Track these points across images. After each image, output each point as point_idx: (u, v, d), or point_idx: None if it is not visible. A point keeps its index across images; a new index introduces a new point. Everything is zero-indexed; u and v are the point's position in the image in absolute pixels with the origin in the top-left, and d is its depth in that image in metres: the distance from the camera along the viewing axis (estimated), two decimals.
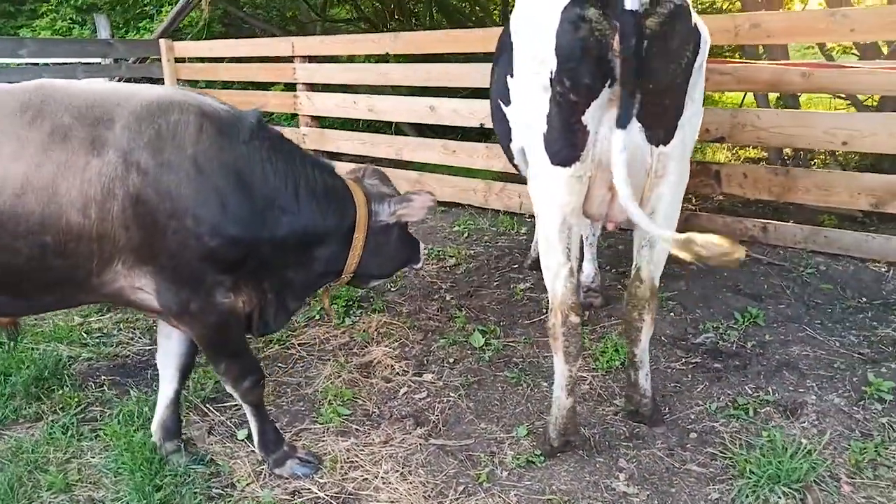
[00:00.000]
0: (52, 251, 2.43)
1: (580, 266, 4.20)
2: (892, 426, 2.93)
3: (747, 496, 2.59)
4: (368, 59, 8.91)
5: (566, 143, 2.48)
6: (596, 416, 3.21)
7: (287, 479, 2.87)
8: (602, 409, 3.26)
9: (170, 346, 3.01)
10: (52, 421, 3.33)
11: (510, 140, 3.17)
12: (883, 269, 4.25)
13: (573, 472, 2.84)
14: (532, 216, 5.87)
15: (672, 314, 4.03)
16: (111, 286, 2.59)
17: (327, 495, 2.77)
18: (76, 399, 3.52)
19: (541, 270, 2.78)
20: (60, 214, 2.40)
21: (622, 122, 2.33)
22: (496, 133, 3.50)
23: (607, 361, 3.58)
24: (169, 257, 2.51)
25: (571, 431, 2.85)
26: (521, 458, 2.92)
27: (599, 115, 2.44)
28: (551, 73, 2.45)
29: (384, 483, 2.84)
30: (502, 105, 3.11)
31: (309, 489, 2.82)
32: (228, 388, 2.87)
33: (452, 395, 3.46)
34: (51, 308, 2.97)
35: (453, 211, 6.29)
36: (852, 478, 2.68)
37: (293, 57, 7.24)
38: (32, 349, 3.93)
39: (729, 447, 2.89)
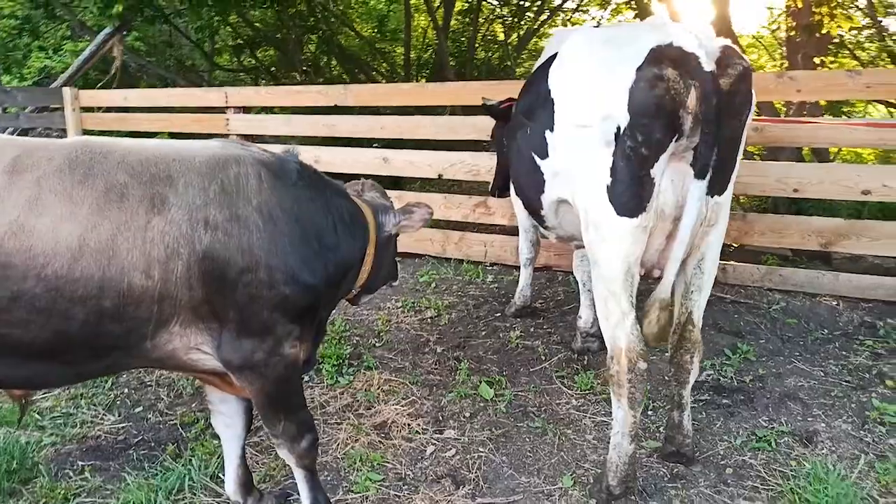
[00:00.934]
0: (110, 316, 2.24)
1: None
2: None
3: None
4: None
5: (634, 194, 2.57)
6: (649, 457, 3.26)
7: None
8: (643, 451, 3.31)
9: (229, 408, 2.89)
10: None
11: (542, 192, 3.23)
12: (834, 304, 4.69)
13: None
14: (496, 264, 5.98)
15: (665, 353, 4.20)
16: (164, 348, 2.41)
17: None
18: (61, 491, 3.10)
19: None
20: (122, 277, 2.22)
21: (702, 174, 2.46)
22: (518, 186, 3.55)
23: None
24: (237, 311, 2.39)
25: (632, 478, 2.88)
26: None
27: (663, 168, 2.57)
28: (619, 128, 2.55)
29: None
30: (536, 158, 3.17)
31: None
32: (283, 453, 2.67)
33: (482, 450, 3.38)
34: (92, 376, 2.79)
35: (413, 261, 6.23)
36: (885, 497, 2.89)
37: (226, 108, 6.99)
38: None
39: (767, 479, 3.04)
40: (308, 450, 2.67)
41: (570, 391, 3.90)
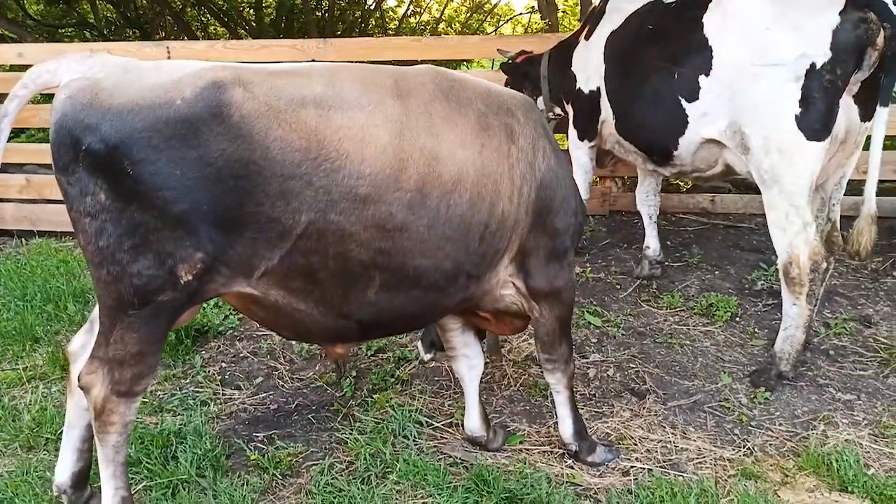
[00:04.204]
0: (488, 240, 2.35)
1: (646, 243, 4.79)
2: None
3: None
4: None
5: (824, 122, 3.07)
6: (763, 353, 3.83)
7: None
8: (756, 347, 3.89)
9: (472, 350, 3.02)
10: None
11: (681, 133, 3.60)
12: None
13: (804, 393, 3.43)
14: None
15: (718, 271, 4.86)
16: (492, 281, 2.53)
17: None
18: (284, 456, 2.92)
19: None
20: (499, 201, 2.33)
21: (885, 102, 3.02)
22: (638, 128, 3.89)
23: (722, 316, 4.21)
24: (550, 237, 2.56)
25: (800, 363, 3.45)
26: (757, 397, 3.39)
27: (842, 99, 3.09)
28: (813, 65, 3.01)
29: (684, 440, 3.07)
30: (682, 101, 3.52)
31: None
32: (556, 377, 2.87)
33: (632, 366, 3.73)
34: (417, 324, 2.83)
35: None
36: None
37: None
38: None
39: (863, 352, 3.79)
40: (573, 371, 2.89)
41: (660, 311, 4.38)
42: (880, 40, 2.95)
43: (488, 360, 3.40)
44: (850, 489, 2.73)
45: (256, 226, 2.00)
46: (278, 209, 1.98)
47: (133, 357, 2.11)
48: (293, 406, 3.44)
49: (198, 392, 3.55)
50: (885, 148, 3.24)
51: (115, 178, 1.91)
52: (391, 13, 15.54)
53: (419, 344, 3.39)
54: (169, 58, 6.33)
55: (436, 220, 2.13)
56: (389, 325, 2.45)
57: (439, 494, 2.67)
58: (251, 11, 13.32)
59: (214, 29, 13.38)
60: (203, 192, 1.93)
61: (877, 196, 3.22)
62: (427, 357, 3.32)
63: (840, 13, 2.96)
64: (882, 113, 3.04)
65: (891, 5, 2.96)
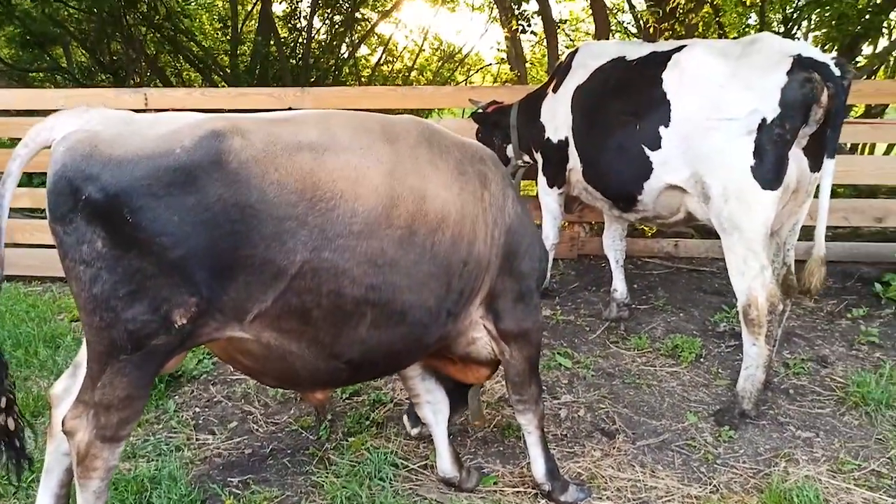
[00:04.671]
0: (465, 278, 2.47)
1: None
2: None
3: None
4: None
5: (776, 172, 3.28)
6: (727, 392, 3.97)
7: None
8: (719, 387, 4.03)
9: (436, 396, 3.09)
10: None
11: (646, 179, 3.80)
12: None
13: (766, 431, 3.55)
14: None
15: (682, 313, 5.03)
16: (463, 323, 2.65)
17: None
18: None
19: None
20: (475, 241, 2.44)
21: (831, 154, 3.24)
22: (603, 175, 4.09)
23: (687, 357, 4.35)
24: (518, 280, 2.69)
25: (760, 402, 3.58)
26: (721, 435, 3.51)
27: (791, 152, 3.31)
28: (764, 119, 3.23)
29: (652, 478, 3.16)
30: (646, 149, 3.73)
31: None
32: (526, 417, 2.94)
33: (602, 406, 3.84)
34: (393, 370, 2.89)
35: None
36: None
37: (146, 111, 6.40)
38: None
39: (819, 391, 3.95)
40: (543, 411, 2.98)
41: (628, 352, 4.51)
42: (824, 98, 3.19)
43: (473, 426, 3.47)
44: None
45: (251, 268, 2.07)
46: (273, 250, 2.06)
47: (121, 402, 2.14)
48: (268, 450, 3.45)
49: (171, 437, 3.55)
50: (834, 196, 3.47)
51: (114, 227, 1.97)
52: (364, 61, 15.91)
53: (405, 417, 3.44)
54: (146, 105, 6.44)
55: (422, 256, 2.24)
56: (377, 365, 2.50)
57: None
58: (226, 58, 13.53)
59: (188, 75, 13.54)
60: (200, 237, 2.01)
61: (830, 241, 3.43)
62: (414, 432, 3.37)
63: (787, 73, 3.20)
64: (829, 164, 3.26)
65: (832, 66, 3.20)
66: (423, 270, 2.25)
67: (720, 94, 3.38)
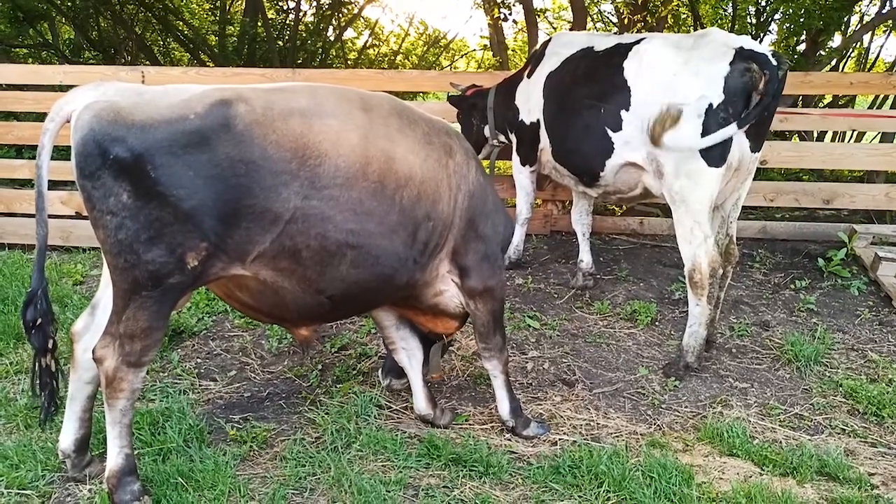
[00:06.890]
0: (429, 232, 2.87)
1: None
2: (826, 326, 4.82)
3: None
4: None
5: (721, 152, 3.71)
6: (677, 350, 4.42)
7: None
8: (670, 346, 4.48)
9: (410, 343, 3.50)
10: None
11: (608, 157, 4.22)
12: None
13: (707, 382, 4.02)
14: None
15: (642, 283, 5.48)
16: (429, 274, 3.05)
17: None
18: (260, 433, 3.33)
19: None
20: (439, 201, 2.84)
21: (761, 137, 3.68)
22: (570, 154, 4.51)
23: (644, 320, 4.80)
24: (481, 241, 3.10)
25: (702, 356, 4.05)
26: (667, 384, 3.97)
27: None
28: (710, 104, 3.66)
29: (605, 419, 3.60)
30: (608, 131, 4.15)
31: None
32: (492, 363, 3.37)
33: (565, 360, 4.28)
34: (366, 308, 3.26)
35: None
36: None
37: None
38: None
39: (759, 350, 4.42)
40: (507, 358, 3.41)
41: (591, 316, 4.96)
42: (762, 86, 3.62)
43: (430, 378, 3.86)
44: (736, 454, 3.30)
45: (253, 215, 2.46)
46: (271, 199, 2.46)
47: (143, 331, 2.52)
48: (265, 394, 3.85)
49: (176, 383, 3.93)
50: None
51: (138, 181, 2.35)
52: (351, 44, 16.12)
53: (379, 372, 3.85)
54: (143, 82, 6.71)
55: (391, 207, 2.66)
56: (354, 300, 2.87)
57: (396, 458, 3.14)
58: (215, 38, 13.71)
59: (176, 54, 13.70)
60: (210, 190, 2.39)
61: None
62: (385, 383, 3.76)
63: (730, 63, 3.62)
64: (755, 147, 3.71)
65: (770, 57, 3.63)
66: (393, 220, 2.67)
67: (673, 81, 3.80)
